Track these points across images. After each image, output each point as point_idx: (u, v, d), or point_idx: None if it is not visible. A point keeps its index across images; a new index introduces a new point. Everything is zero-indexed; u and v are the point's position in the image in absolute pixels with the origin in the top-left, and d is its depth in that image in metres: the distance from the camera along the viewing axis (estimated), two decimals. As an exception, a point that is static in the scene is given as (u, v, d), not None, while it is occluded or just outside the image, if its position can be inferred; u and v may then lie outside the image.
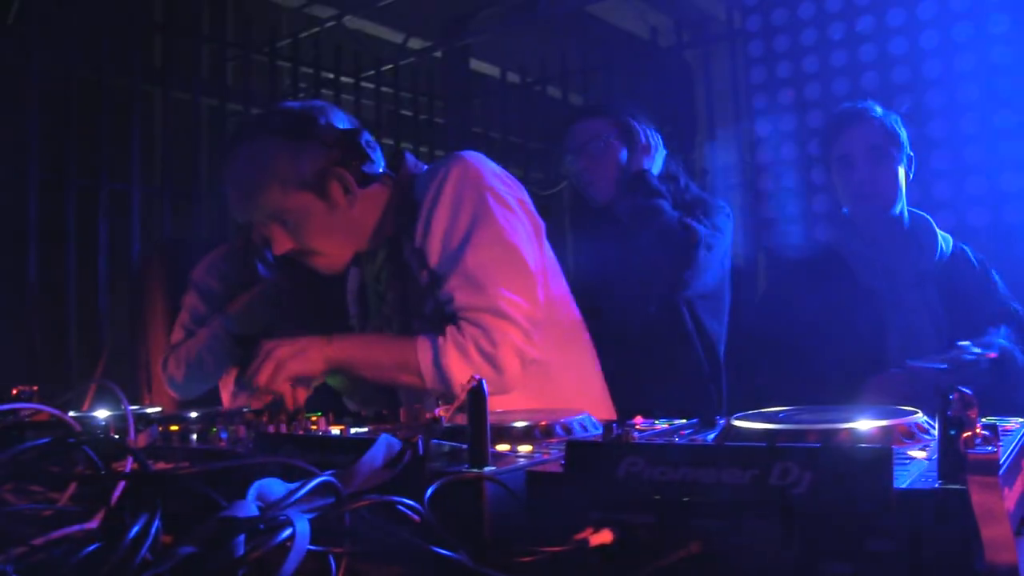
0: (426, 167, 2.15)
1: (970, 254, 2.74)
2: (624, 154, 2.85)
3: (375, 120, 6.02)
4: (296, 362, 1.85)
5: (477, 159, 2.05)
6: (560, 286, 2.17)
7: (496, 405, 1.91)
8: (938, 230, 2.72)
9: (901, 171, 2.63)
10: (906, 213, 2.69)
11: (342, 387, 2.15)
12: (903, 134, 2.64)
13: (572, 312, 2.22)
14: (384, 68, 6.17)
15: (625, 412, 1.42)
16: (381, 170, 2.07)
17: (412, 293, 2.04)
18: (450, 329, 1.90)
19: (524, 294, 1.93)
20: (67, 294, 4.30)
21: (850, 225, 2.74)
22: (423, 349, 1.89)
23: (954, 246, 2.72)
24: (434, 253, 1.97)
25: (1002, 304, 2.62)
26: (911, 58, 4.13)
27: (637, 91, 5.39)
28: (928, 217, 2.75)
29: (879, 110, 2.66)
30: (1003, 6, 3.86)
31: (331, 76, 5.82)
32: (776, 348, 2.60)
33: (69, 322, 4.29)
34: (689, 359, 2.68)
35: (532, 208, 2.09)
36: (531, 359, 1.94)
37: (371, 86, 6.09)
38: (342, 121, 2.07)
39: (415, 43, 6.46)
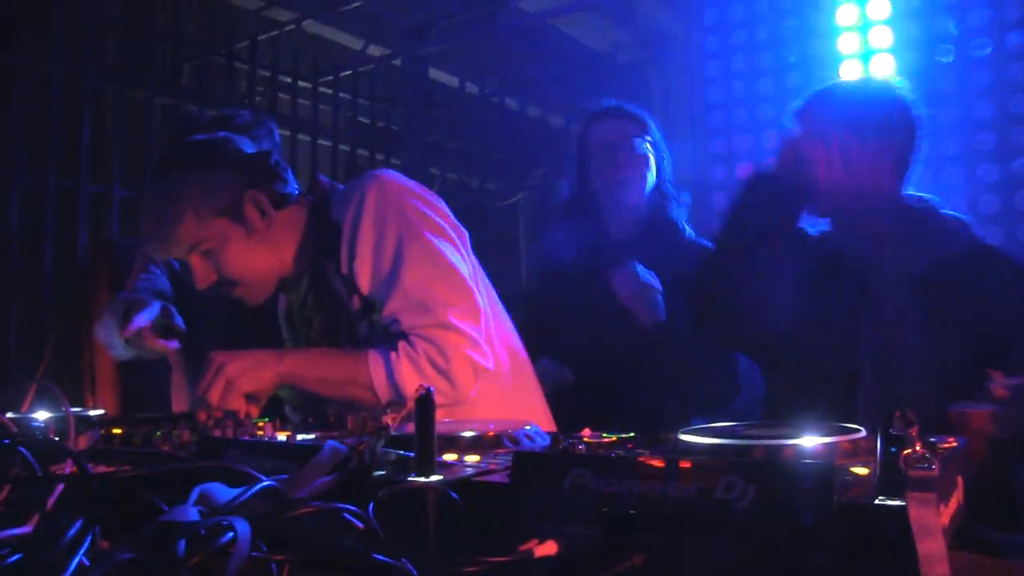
0: (341, 187, 2.14)
1: (999, 254, 2.25)
2: (651, 161, 2.85)
3: (332, 126, 5.99)
4: (247, 379, 1.83)
5: (393, 176, 2.06)
6: (488, 295, 2.17)
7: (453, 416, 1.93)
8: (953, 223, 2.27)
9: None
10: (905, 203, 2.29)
11: (288, 397, 2.13)
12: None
13: (505, 322, 2.22)
14: (343, 74, 6.14)
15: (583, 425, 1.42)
16: (295, 191, 2.07)
17: (341, 318, 2.03)
18: (402, 344, 1.89)
19: (467, 306, 1.94)
20: (10, 293, 4.22)
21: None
22: (375, 364, 1.88)
23: (973, 242, 2.24)
24: (364, 278, 1.97)
25: None
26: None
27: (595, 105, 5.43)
28: (934, 206, 2.29)
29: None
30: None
31: (288, 80, 5.78)
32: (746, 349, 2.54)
33: (11, 321, 4.20)
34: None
35: (454, 219, 2.10)
36: (483, 369, 1.94)
37: (329, 91, 6.06)
38: (249, 147, 2.07)
39: (374, 50, 6.44)
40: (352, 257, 1.97)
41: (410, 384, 1.85)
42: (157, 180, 2.03)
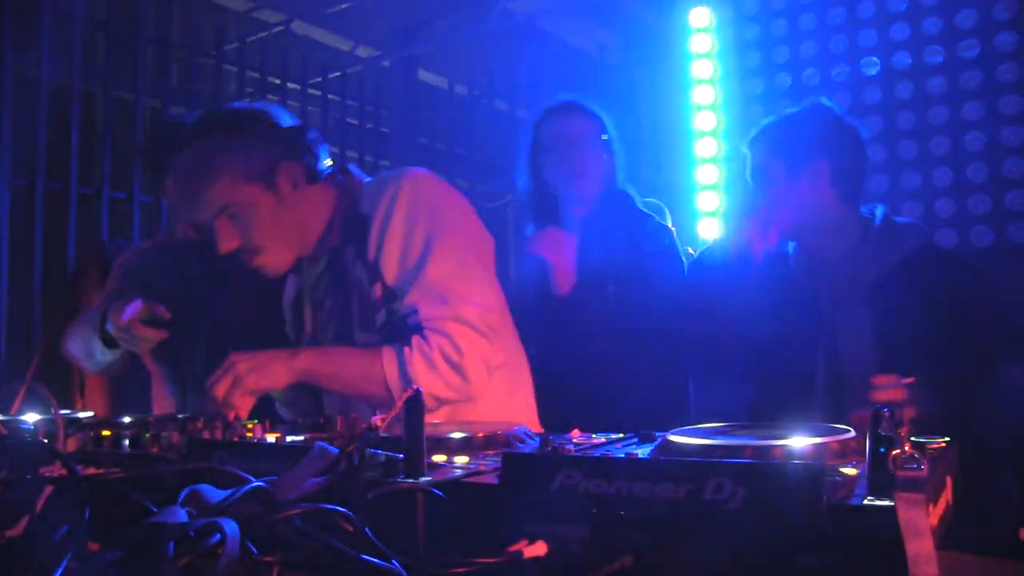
0: (369, 178, 2.15)
1: (954, 261, 2.33)
2: (607, 160, 2.84)
3: (321, 127, 5.98)
4: (255, 376, 1.83)
5: (427, 174, 2.08)
6: (501, 296, 2.19)
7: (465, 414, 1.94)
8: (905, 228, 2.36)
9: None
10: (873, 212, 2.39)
11: (280, 396, 2.13)
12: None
13: (510, 323, 2.23)
14: (331, 75, 6.13)
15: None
16: (328, 169, 2.08)
17: (355, 304, 2.03)
18: (415, 339, 1.91)
19: (485, 303, 1.97)
20: (-1, 295, 4.20)
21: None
22: (389, 360, 1.89)
23: (929, 248, 2.31)
24: (390, 268, 1.99)
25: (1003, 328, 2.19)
26: (852, 84, 4.22)
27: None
28: (883, 213, 2.37)
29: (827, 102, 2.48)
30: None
31: (277, 81, 5.77)
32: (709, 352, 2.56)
33: (0, 324, 4.18)
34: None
35: (482, 225, 2.13)
36: (496, 365, 1.98)
37: (317, 93, 6.05)
38: (288, 119, 2.08)
39: (363, 51, 6.43)
40: (380, 246, 1.99)
41: (423, 378, 1.87)
42: (193, 142, 2.03)
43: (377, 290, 2.01)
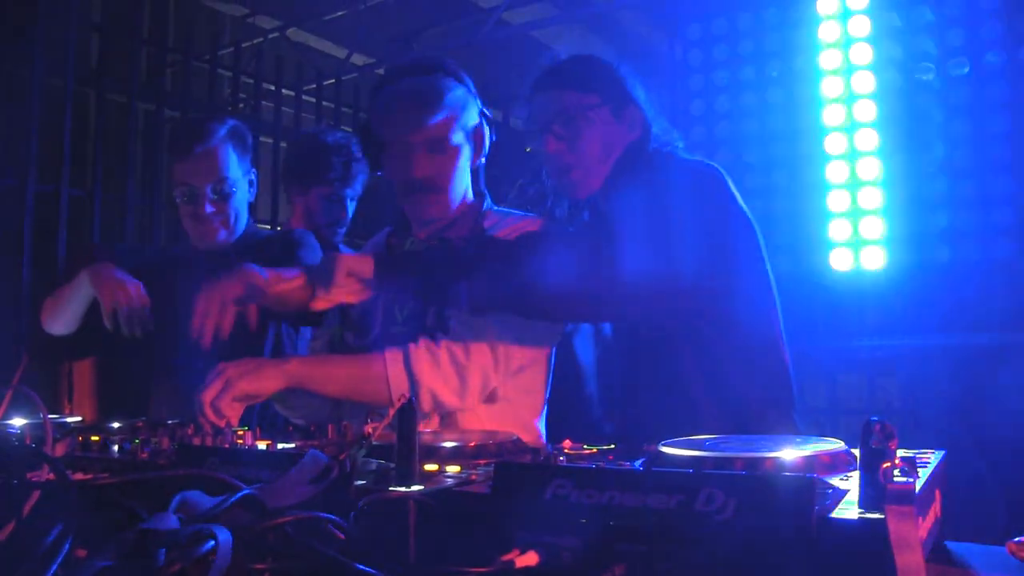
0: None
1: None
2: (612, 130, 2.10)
3: (315, 134, 5.98)
4: (246, 381, 1.82)
5: None
6: None
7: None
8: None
9: None
10: None
11: (278, 398, 2.12)
12: None
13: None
14: (326, 82, 6.14)
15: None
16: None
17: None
18: (423, 339, 1.94)
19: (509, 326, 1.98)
20: (-13, 297, 4.18)
21: None
22: (392, 356, 1.91)
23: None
24: None
25: None
26: (845, 99, 4.24)
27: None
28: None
29: None
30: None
31: (272, 87, 5.77)
32: None
33: (-13, 326, 4.17)
34: None
35: None
36: (492, 387, 1.98)
37: (312, 100, 6.05)
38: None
39: (358, 59, 6.44)
40: None
41: (426, 374, 1.89)
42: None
43: None
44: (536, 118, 2.12)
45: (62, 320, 2.35)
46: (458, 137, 2.10)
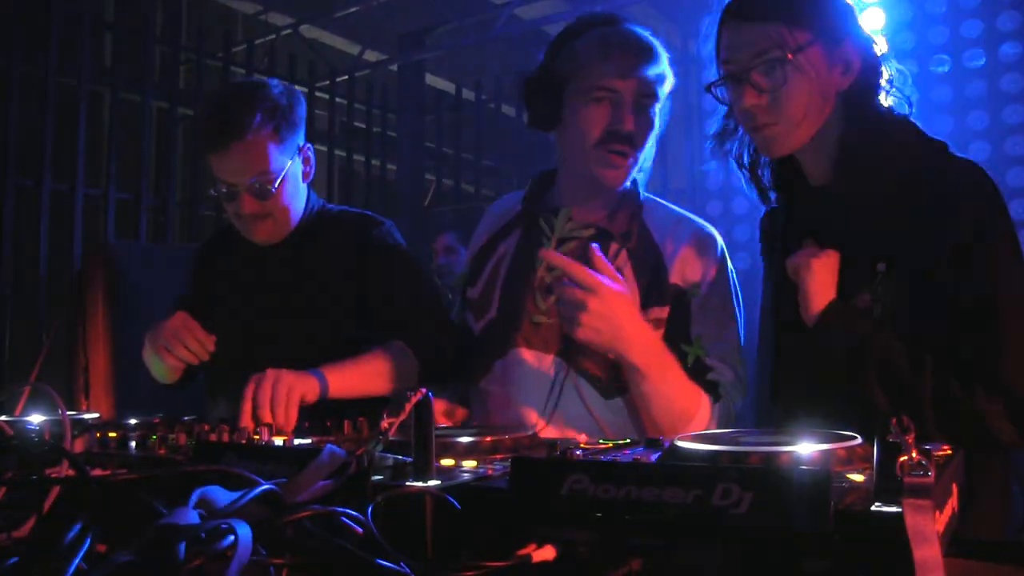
0: None
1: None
2: (824, 79, 1.58)
3: (328, 131, 5.99)
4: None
5: None
6: None
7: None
8: None
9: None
10: None
11: None
12: None
13: None
14: (339, 79, 6.15)
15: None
16: None
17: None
18: None
19: None
20: (4, 295, 4.21)
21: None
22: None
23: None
24: None
25: None
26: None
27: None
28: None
29: None
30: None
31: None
32: None
33: (6, 323, 4.20)
34: None
35: None
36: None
37: (325, 96, 6.07)
38: None
39: (371, 55, 6.45)
40: None
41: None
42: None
43: None
44: (728, 60, 1.61)
45: (168, 381, 2.23)
46: (662, 99, 1.88)
